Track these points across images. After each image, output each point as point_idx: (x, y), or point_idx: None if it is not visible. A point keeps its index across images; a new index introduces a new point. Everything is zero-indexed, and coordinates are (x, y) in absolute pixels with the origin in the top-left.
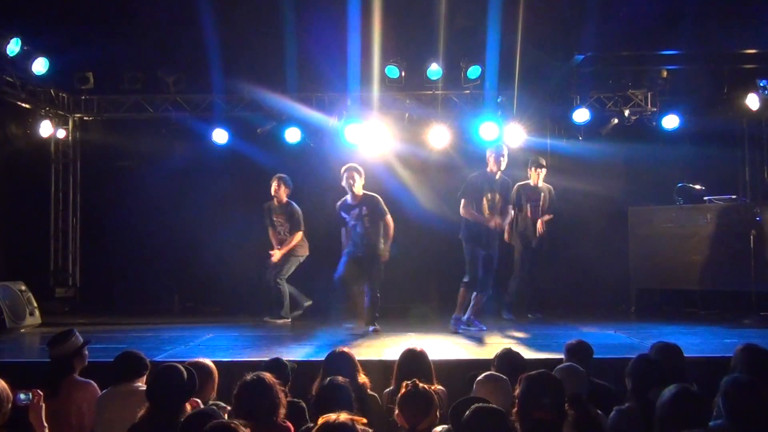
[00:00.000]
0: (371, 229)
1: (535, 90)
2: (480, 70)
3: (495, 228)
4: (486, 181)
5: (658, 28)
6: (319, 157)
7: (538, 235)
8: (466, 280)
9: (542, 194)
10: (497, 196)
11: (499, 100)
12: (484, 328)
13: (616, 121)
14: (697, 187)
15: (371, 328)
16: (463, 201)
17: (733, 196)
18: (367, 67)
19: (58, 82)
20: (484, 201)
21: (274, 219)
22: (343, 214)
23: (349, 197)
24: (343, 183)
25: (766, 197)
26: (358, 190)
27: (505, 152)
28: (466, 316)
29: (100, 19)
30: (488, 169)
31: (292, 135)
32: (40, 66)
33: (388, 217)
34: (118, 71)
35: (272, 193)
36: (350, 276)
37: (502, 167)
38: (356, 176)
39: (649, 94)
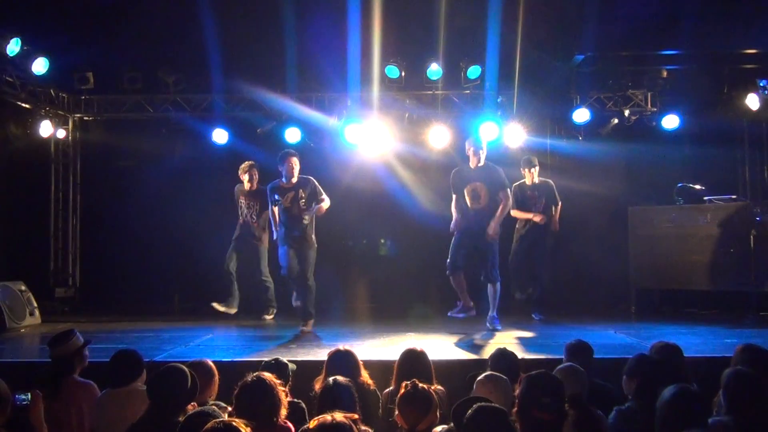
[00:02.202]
0: (307, 213)
1: (535, 90)
2: (480, 70)
3: (481, 222)
4: (466, 173)
5: (658, 28)
6: (319, 157)
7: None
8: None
9: (537, 193)
10: (479, 185)
11: (499, 100)
12: (499, 328)
13: (616, 121)
14: (697, 187)
15: (301, 327)
16: (454, 197)
17: (733, 196)
18: (367, 67)
19: (58, 82)
20: (466, 192)
21: (250, 203)
22: (276, 196)
23: (283, 180)
24: (281, 167)
25: (766, 197)
26: (296, 176)
27: (484, 146)
28: (491, 313)
29: (100, 19)
30: (469, 164)
31: (292, 135)
32: (40, 66)
33: (325, 198)
34: (118, 71)
35: (248, 182)
36: (294, 265)
37: (481, 162)
38: (297, 161)
39: (649, 94)
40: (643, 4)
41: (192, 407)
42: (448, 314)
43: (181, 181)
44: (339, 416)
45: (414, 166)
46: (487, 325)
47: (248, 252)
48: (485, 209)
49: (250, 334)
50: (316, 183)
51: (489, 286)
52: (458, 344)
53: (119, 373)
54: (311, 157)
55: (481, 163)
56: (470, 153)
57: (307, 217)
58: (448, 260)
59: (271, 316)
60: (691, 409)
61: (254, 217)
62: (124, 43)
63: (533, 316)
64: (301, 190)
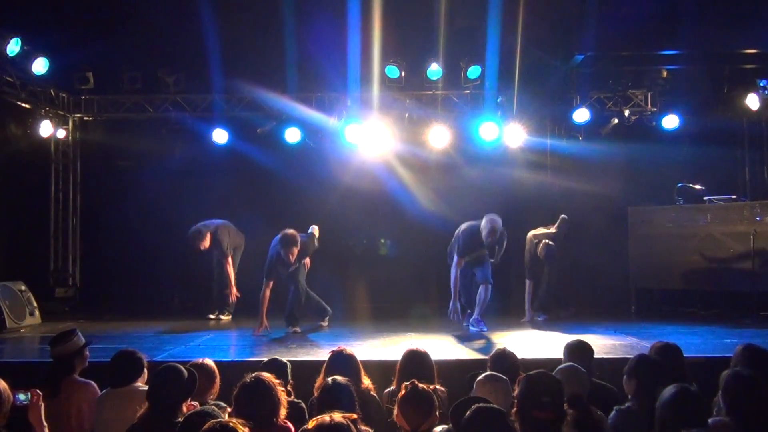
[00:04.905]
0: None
1: (535, 90)
2: (480, 70)
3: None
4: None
5: (658, 28)
6: (319, 157)
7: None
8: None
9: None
10: (484, 252)
11: (499, 100)
12: (485, 329)
13: (616, 121)
14: (697, 187)
15: (290, 328)
16: (456, 259)
17: (733, 196)
18: (367, 67)
19: (58, 82)
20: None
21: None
22: (280, 269)
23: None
24: (281, 252)
25: (766, 197)
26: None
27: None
28: (474, 316)
29: (100, 19)
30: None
31: (292, 135)
32: (40, 66)
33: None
34: (118, 71)
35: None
36: None
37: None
38: (294, 251)
39: (649, 94)
40: (643, 4)
41: (192, 407)
42: (468, 327)
43: (181, 181)
44: (337, 416)
45: (414, 166)
46: (471, 327)
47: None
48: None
49: (250, 334)
50: (315, 242)
51: (482, 287)
52: (458, 344)
53: (119, 373)
54: (311, 157)
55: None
56: (485, 232)
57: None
58: (463, 299)
59: (227, 317)
60: (691, 409)
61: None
62: (124, 43)
63: (536, 316)
64: (302, 263)
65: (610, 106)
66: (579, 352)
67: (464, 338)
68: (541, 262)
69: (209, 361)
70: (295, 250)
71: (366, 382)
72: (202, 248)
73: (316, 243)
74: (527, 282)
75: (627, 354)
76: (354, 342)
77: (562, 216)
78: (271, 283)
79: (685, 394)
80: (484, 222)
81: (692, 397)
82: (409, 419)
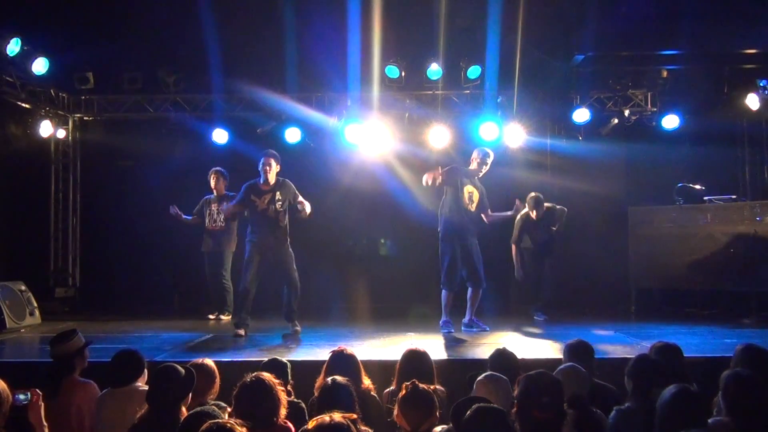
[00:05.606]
0: (282, 215)
1: (535, 90)
2: (480, 70)
3: (470, 223)
4: (468, 176)
5: (658, 28)
6: (319, 157)
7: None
8: (443, 280)
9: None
10: (476, 194)
11: (499, 100)
12: (487, 329)
13: (616, 121)
14: (697, 187)
15: (291, 326)
16: (450, 191)
17: (733, 196)
18: (367, 67)
19: (58, 82)
20: (465, 192)
21: (212, 209)
22: (252, 196)
23: (260, 181)
24: (259, 167)
25: (766, 197)
26: (272, 177)
27: (491, 159)
28: (467, 318)
29: (100, 19)
30: (470, 167)
31: (292, 135)
32: (40, 66)
33: (305, 201)
34: (118, 71)
35: (212, 187)
36: (253, 280)
37: (483, 172)
38: (273, 163)
39: (649, 94)
40: (643, 4)
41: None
42: (463, 329)
43: (181, 181)
44: (337, 416)
45: (414, 166)
46: (463, 329)
47: (213, 257)
48: (473, 214)
49: (250, 334)
50: (291, 184)
51: (471, 289)
52: (458, 344)
53: (120, 373)
54: (311, 157)
55: (481, 175)
56: (479, 161)
57: (287, 218)
58: (449, 277)
59: (227, 317)
60: (691, 409)
61: (222, 223)
62: (124, 43)
63: (536, 316)
64: (278, 192)
65: (610, 106)
66: (579, 352)
67: (464, 338)
68: (530, 258)
69: (209, 361)
70: (273, 163)
71: (366, 382)
72: (213, 183)
73: (307, 209)
74: (513, 246)
75: (627, 354)
76: (354, 342)
77: (557, 206)
78: (240, 208)
79: (685, 394)
80: (474, 153)
81: (692, 397)
82: (409, 419)
